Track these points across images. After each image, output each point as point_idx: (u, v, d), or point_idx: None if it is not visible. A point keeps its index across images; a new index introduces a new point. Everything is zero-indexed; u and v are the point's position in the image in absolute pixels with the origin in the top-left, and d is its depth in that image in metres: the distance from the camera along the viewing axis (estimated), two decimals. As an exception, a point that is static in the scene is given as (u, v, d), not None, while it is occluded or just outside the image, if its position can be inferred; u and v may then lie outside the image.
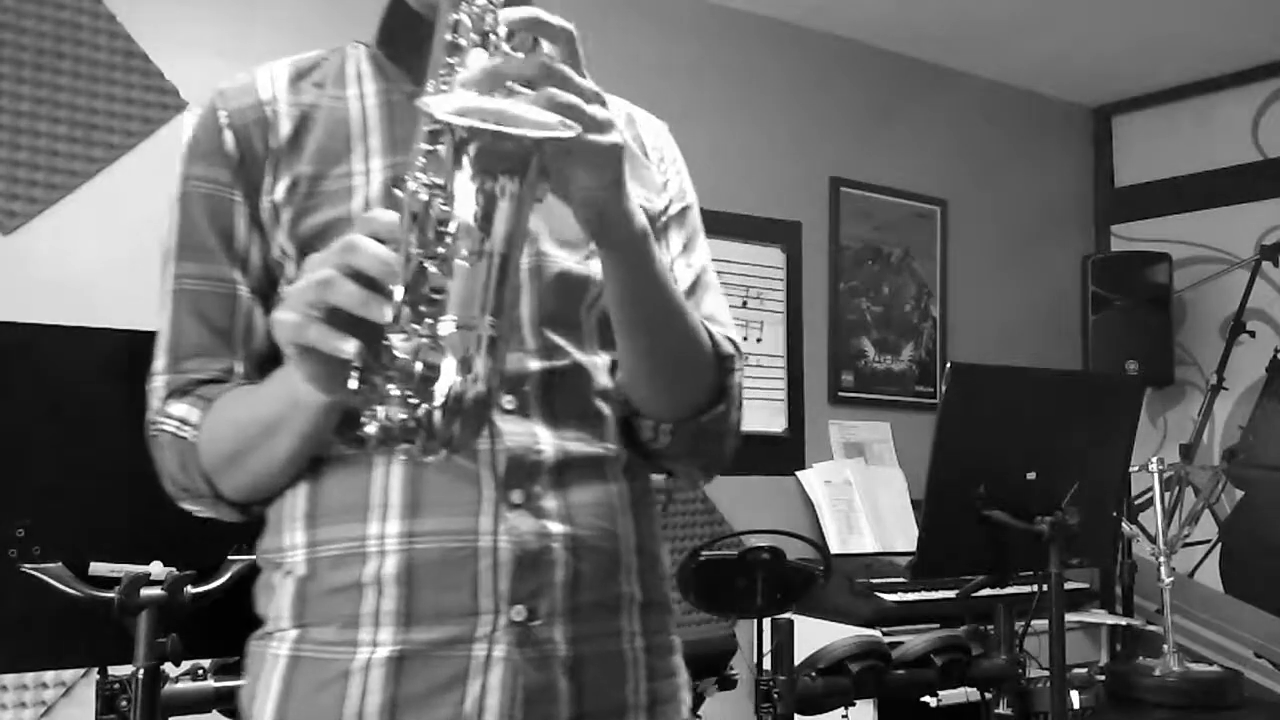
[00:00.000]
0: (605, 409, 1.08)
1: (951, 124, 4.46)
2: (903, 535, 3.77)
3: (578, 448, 1.04)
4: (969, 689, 2.55)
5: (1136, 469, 3.84)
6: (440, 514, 0.98)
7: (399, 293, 0.79)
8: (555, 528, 1.00)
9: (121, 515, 1.44)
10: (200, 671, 1.72)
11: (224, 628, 1.52)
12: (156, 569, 1.42)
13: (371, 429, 0.80)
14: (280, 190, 1.05)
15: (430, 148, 0.82)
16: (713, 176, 3.87)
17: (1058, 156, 4.86)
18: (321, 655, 0.99)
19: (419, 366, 0.79)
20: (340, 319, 0.82)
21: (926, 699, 2.92)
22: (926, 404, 4.25)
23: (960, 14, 4.00)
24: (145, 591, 1.41)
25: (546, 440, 1.02)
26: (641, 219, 0.95)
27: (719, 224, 3.75)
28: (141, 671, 1.42)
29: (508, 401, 1.01)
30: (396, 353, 0.79)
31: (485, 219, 0.80)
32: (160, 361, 1.07)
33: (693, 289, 1.15)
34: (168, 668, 1.51)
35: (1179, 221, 4.64)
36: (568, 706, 0.99)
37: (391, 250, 0.81)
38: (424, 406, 0.79)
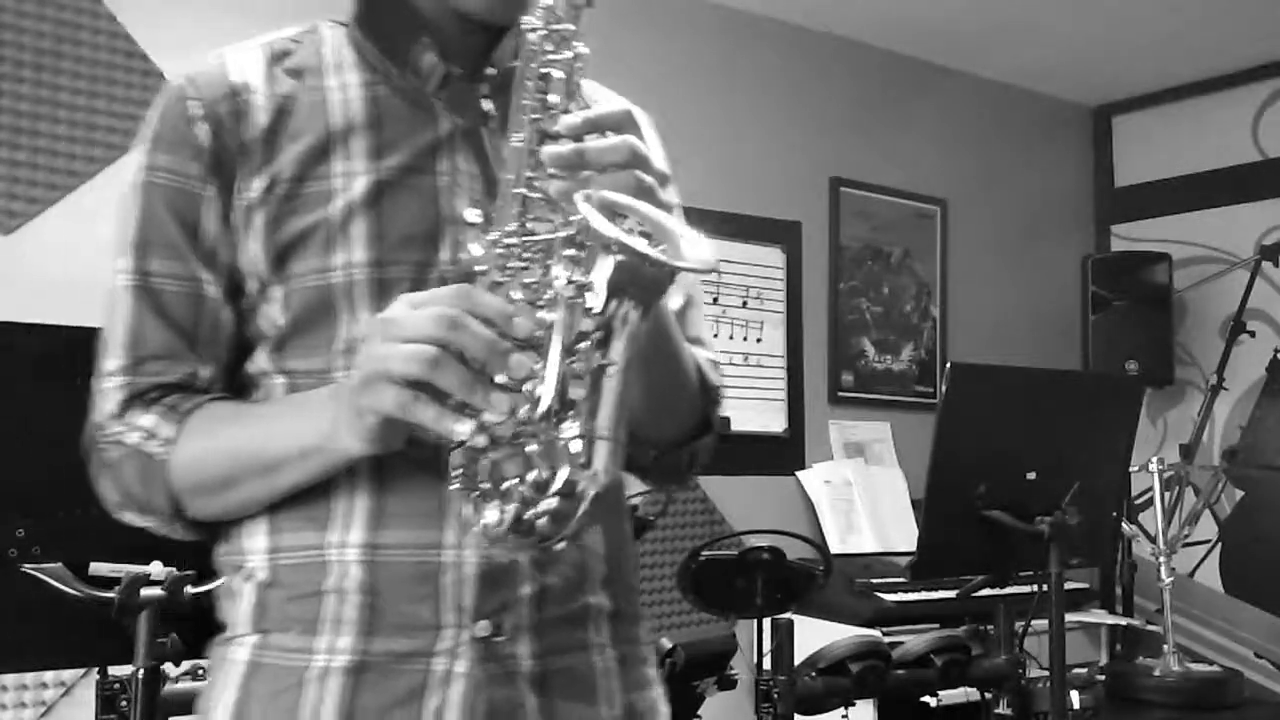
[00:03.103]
0: None
1: (951, 124, 4.46)
2: (903, 535, 3.76)
3: None
4: (969, 689, 2.55)
5: (1136, 469, 3.84)
6: (404, 525, 0.95)
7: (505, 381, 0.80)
8: None
9: (121, 515, 1.44)
10: (200, 671, 1.72)
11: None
12: (156, 569, 1.42)
13: (491, 519, 0.81)
14: (255, 190, 0.98)
15: (567, 237, 0.81)
16: (713, 176, 3.88)
17: (1058, 156, 4.86)
18: (280, 662, 0.96)
19: (535, 457, 0.80)
20: (440, 396, 0.80)
21: (926, 699, 2.92)
22: (926, 404, 4.25)
23: (960, 14, 4.00)
24: (145, 591, 1.41)
25: None
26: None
27: (719, 224, 3.76)
28: (141, 671, 1.43)
29: None
30: (499, 437, 0.80)
31: (609, 329, 0.80)
32: (114, 362, 1.00)
33: (683, 311, 1.12)
34: (168, 668, 1.51)
35: (1179, 221, 4.63)
36: None
37: (496, 334, 0.80)
38: (549, 501, 0.80)
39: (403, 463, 0.93)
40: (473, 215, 0.88)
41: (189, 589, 1.43)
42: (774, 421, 3.90)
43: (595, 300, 0.78)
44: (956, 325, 4.44)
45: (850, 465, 3.94)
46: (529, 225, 0.85)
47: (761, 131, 3.97)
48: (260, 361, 1.01)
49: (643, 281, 0.80)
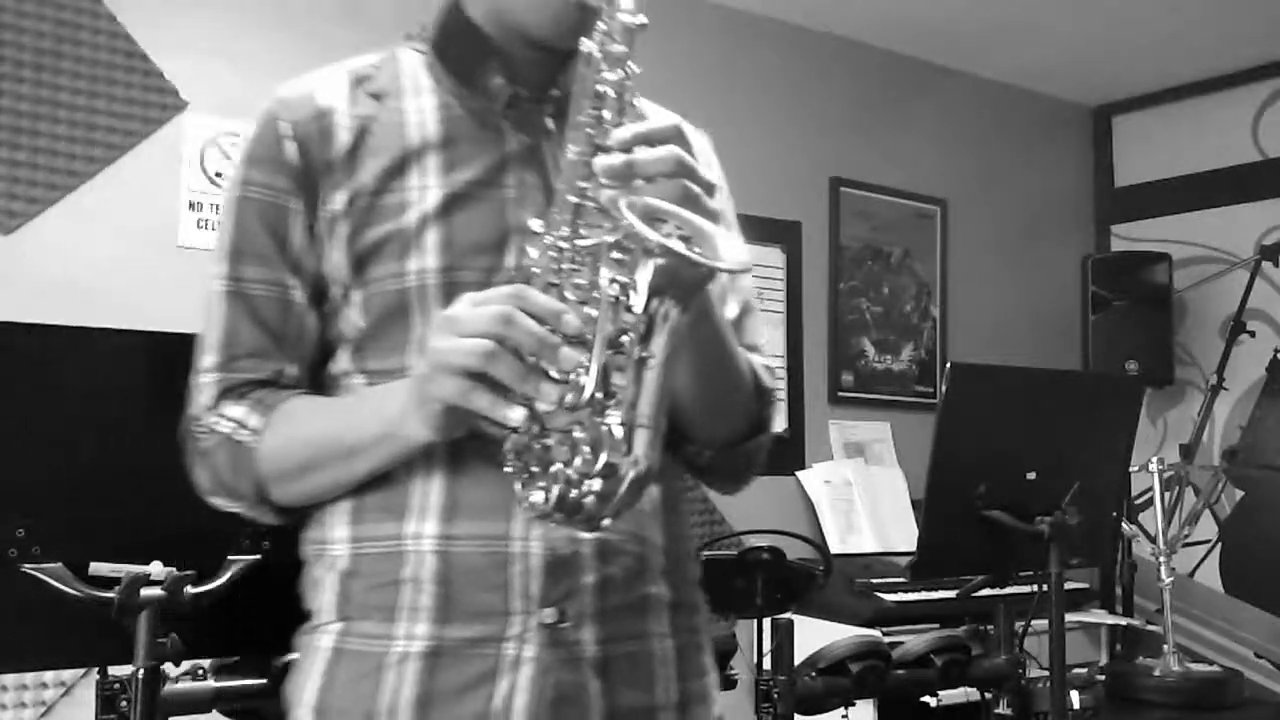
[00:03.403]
0: None
1: (951, 124, 4.46)
2: (903, 535, 3.76)
3: None
4: (969, 689, 2.55)
5: (1136, 469, 3.84)
6: (475, 517, 1.02)
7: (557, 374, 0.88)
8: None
9: (121, 515, 1.44)
10: (200, 671, 1.72)
11: (224, 628, 1.52)
12: (156, 569, 1.42)
13: (537, 498, 0.89)
14: (338, 203, 1.07)
15: (612, 240, 0.89)
16: (713, 176, 3.87)
17: (1058, 156, 4.86)
18: (361, 648, 1.03)
19: (580, 442, 0.87)
20: (496, 386, 0.88)
21: (926, 699, 2.92)
22: (926, 404, 4.25)
23: (960, 14, 4.00)
24: (145, 591, 1.41)
25: None
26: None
27: (719, 224, 3.75)
28: (141, 671, 1.42)
29: None
30: (550, 426, 0.89)
31: (650, 325, 0.87)
32: (210, 360, 1.09)
33: (739, 319, 1.19)
34: (168, 668, 1.51)
35: (1179, 221, 4.63)
36: (598, 706, 1.03)
37: (547, 330, 0.88)
38: (592, 483, 0.87)
39: (474, 458, 1.01)
40: (536, 225, 0.96)
41: (189, 589, 1.43)
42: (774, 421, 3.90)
43: (637, 300, 0.86)
44: (956, 325, 4.44)
45: (850, 465, 3.94)
46: (581, 231, 0.93)
47: (761, 131, 3.96)
48: (342, 362, 1.10)
49: (681, 281, 0.88)
